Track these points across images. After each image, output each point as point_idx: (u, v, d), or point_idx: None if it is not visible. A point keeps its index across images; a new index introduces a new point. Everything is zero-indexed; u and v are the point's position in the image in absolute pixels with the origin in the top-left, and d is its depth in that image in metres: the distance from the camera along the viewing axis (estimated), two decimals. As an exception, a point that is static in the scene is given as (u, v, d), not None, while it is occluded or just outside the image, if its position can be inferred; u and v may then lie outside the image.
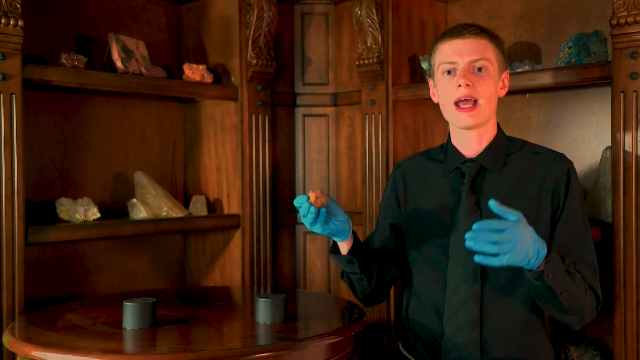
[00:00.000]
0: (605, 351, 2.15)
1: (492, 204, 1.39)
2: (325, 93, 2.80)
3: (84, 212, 2.17)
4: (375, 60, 2.48)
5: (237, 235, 2.53)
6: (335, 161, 2.80)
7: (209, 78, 2.48)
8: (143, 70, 2.29)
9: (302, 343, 1.57)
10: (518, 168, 1.69)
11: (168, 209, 2.37)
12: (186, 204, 2.61)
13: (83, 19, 2.38)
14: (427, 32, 2.60)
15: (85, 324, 1.71)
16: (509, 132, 2.30)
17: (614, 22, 1.87)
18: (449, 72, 1.66)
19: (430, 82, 1.78)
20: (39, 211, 2.20)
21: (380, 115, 2.49)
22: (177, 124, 2.69)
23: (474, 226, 1.39)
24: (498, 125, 1.74)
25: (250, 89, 2.53)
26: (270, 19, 2.52)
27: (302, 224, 2.62)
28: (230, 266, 2.56)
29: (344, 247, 1.70)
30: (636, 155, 1.84)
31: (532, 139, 2.35)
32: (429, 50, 1.84)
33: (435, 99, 1.78)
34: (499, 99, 1.71)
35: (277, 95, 2.70)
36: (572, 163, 1.69)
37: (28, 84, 1.98)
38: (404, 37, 2.52)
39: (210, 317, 1.81)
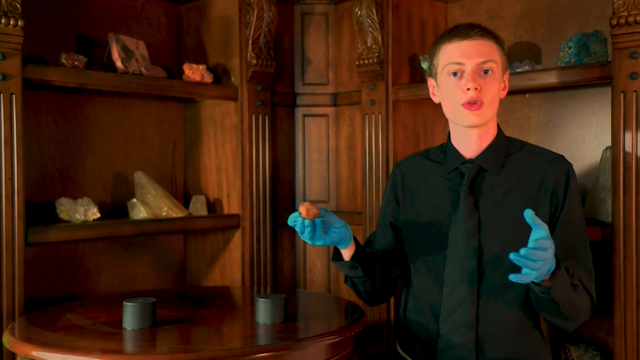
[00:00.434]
0: (605, 351, 2.15)
1: (529, 214, 1.36)
2: (325, 93, 2.80)
3: (84, 212, 2.17)
4: (375, 60, 2.48)
5: (237, 235, 2.53)
6: (335, 161, 2.80)
7: (209, 78, 2.47)
8: (143, 70, 2.29)
9: (302, 343, 1.57)
10: (517, 169, 1.68)
11: (168, 209, 2.37)
12: (186, 204, 2.61)
13: (83, 19, 2.38)
14: (427, 32, 2.60)
15: (85, 324, 1.71)
16: (509, 132, 2.30)
17: (614, 22, 1.86)
18: (455, 74, 1.64)
19: (430, 82, 1.76)
20: (39, 211, 2.20)
21: (380, 115, 2.49)
22: (177, 124, 2.69)
23: (532, 244, 1.35)
24: (498, 126, 1.73)
25: (250, 89, 2.53)
26: (270, 19, 2.52)
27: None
28: (230, 266, 2.56)
29: (346, 253, 1.69)
30: (636, 155, 1.84)
31: (532, 139, 2.35)
32: (429, 50, 1.83)
33: (435, 99, 1.76)
34: (499, 99, 1.71)
35: (277, 95, 2.70)
36: (571, 165, 1.68)
37: (28, 84, 1.98)
38: (404, 37, 2.52)
39: (210, 317, 1.81)
